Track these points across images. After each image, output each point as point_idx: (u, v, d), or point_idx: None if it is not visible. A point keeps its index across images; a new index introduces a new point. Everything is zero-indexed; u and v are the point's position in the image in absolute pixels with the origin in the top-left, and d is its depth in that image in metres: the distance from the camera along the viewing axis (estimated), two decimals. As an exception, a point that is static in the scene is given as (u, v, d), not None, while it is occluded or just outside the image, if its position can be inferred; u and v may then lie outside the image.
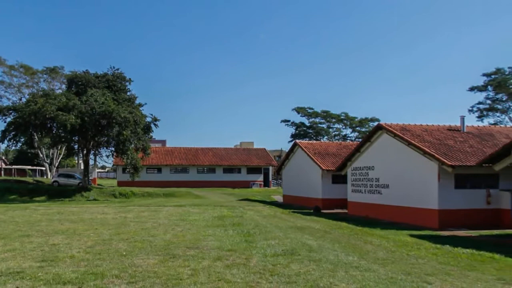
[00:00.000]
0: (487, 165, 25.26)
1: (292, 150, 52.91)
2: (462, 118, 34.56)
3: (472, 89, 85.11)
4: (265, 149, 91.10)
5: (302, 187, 48.36)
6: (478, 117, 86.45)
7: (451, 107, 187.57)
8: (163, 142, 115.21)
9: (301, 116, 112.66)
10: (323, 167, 43.33)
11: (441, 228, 26.80)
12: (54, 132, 54.20)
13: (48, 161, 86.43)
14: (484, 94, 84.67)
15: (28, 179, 75.16)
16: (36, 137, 61.05)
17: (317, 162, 44.38)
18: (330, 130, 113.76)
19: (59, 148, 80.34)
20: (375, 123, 42.52)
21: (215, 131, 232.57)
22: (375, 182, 34.65)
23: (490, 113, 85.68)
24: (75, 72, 58.38)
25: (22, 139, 56.14)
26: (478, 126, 36.92)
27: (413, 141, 29.99)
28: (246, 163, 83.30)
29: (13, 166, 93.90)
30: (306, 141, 57.91)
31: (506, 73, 79.97)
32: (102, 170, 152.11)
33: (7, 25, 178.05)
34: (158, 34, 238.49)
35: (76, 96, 52.96)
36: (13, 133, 52.76)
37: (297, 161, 50.76)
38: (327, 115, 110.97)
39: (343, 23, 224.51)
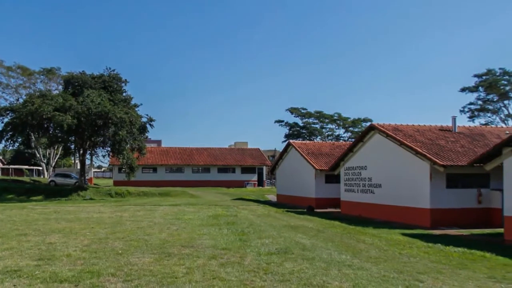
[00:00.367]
0: (478, 165, 25.30)
1: (285, 150, 53.01)
2: (454, 119, 34.65)
3: (463, 89, 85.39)
4: (259, 149, 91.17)
5: (296, 186, 48.40)
6: (470, 117, 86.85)
7: (443, 108, 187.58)
8: (158, 142, 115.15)
9: (294, 116, 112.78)
10: (317, 167, 43.39)
11: (433, 227, 26.89)
12: (51, 132, 54.27)
13: (45, 161, 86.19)
14: (475, 94, 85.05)
15: (25, 178, 75.00)
16: (33, 137, 60.94)
17: (311, 162, 44.43)
18: (324, 130, 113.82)
19: (55, 148, 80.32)
20: (368, 124, 42.55)
21: (209, 131, 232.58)
22: (367, 181, 34.70)
23: (481, 114, 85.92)
24: (71, 73, 58.40)
25: (19, 139, 56.03)
26: (470, 127, 37.03)
27: (405, 141, 30.05)
28: (241, 163, 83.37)
29: (11, 166, 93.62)
30: (300, 141, 58.02)
31: (497, 74, 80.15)
32: (98, 170, 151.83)
33: (4, 26, 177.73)
34: (154, 36, 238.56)
35: (73, 96, 52.92)
36: (10, 133, 52.77)
37: (291, 161, 50.82)
38: (320, 116, 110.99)
39: (336, 24, 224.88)
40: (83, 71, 58.47)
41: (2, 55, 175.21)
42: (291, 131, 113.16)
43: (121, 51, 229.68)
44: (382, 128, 32.67)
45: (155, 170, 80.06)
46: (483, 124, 74.97)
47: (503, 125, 70.73)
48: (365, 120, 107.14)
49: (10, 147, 63.22)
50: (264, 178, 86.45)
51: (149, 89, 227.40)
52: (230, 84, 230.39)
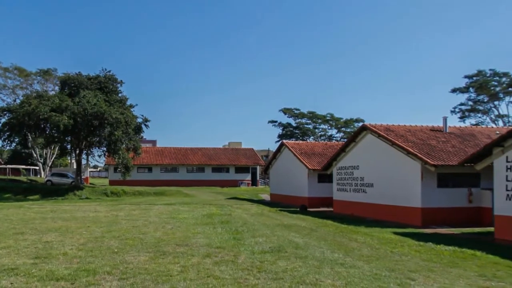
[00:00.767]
0: (468, 164, 25.34)
1: (279, 150, 53.00)
2: (445, 119, 34.72)
3: (454, 90, 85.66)
4: (253, 149, 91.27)
5: (289, 186, 48.40)
6: (460, 118, 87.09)
7: (434, 108, 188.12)
8: (153, 142, 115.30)
9: (288, 117, 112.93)
10: (309, 167, 43.39)
11: (424, 226, 26.95)
12: (47, 132, 54.11)
13: (42, 160, 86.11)
14: (466, 95, 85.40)
15: (22, 178, 74.89)
16: (30, 137, 60.77)
17: (304, 161, 44.43)
18: (316, 130, 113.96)
19: (52, 148, 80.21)
20: (360, 124, 42.65)
21: (204, 131, 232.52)
22: (360, 181, 34.74)
23: (472, 114, 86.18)
24: (68, 74, 58.17)
25: (17, 139, 56.00)
26: (460, 127, 37.13)
27: (396, 141, 30.09)
28: (235, 162, 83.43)
29: (8, 166, 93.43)
30: (293, 141, 57.96)
31: (487, 75, 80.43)
32: (94, 170, 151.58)
33: (1, 28, 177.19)
34: (149, 37, 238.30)
35: (69, 97, 52.77)
36: (7, 133, 52.66)
37: (284, 160, 50.82)
38: (313, 116, 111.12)
39: (329, 27, 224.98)
40: (79, 72, 58.42)
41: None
42: (284, 131, 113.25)
43: (117, 53, 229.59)
44: (374, 129, 32.70)
45: (150, 169, 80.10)
46: (474, 125, 75.13)
47: (493, 126, 70.85)
48: (357, 121, 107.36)
49: (7, 147, 63.62)
50: (258, 178, 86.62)
51: (145, 90, 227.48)
52: (225, 85, 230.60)
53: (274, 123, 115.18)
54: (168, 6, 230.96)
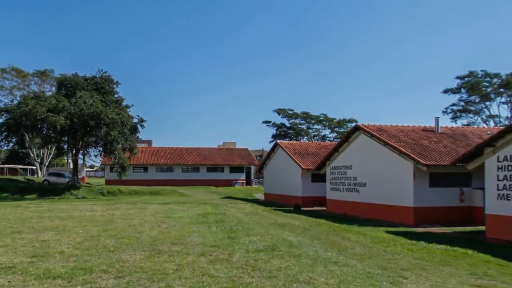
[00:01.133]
0: (460, 164, 25.34)
1: (273, 150, 52.99)
2: (437, 119, 34.76)
3: (446, 91, 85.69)
4: (247, 149, 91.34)
5: (283, 185, 48.38)
6: (452, 118, 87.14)
7: (426, 109, 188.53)
8: (149, 142, 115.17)
9: (281, 117, 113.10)
10: (303, 166, 43.38)
11: (416, 225, 26.96)
12: (44, 132, 54.08)
13: (39, 160, 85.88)
14: (457, 96, 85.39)
15: (20, 177, 74.66)
16: (27, 137, 60.62)
17: (297, 161, 44.43)
18: (310, 130, 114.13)
19: (49, 148, 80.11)
20: (353, 124, 42.77)
21: (199, 131, 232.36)
22: (353, 180, 34.75)
23: (464, 114, 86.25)
24: (64, 75, 58.16)
25: (14, 139, 55.97)
26: (452, 127, 37.16)
27: (389, 141, 30.10)
28: (229, 162, 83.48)
29: (5, 166, 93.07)
30: (287, 141, 57.96)
31: (479, 76, 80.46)
32: (91, 169, 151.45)
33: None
34: (145, 38, 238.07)
35: (66, 98, 52.73)
36: (5, 133, 52.62)
37: (278, 160, 50.81)
38: (306, 116, 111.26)
39: (322, 28, 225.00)
40: (75, 73, 58.36)
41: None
42: (278, 132, 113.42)
43: (113, 54, 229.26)
44: (367, 129, 32.71)
45: (146, 169, 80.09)
46: (465, 125, 75.29)
47: (485, 126, 71.09)
48: (350, 121, 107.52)
49: (5, 147, 63.25)
50: (252, 177, 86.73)
51: (140, 90, 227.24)
52: (219, 85, 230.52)
53: (268, 124, 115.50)
54: (163, 8, 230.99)
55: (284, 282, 10.41)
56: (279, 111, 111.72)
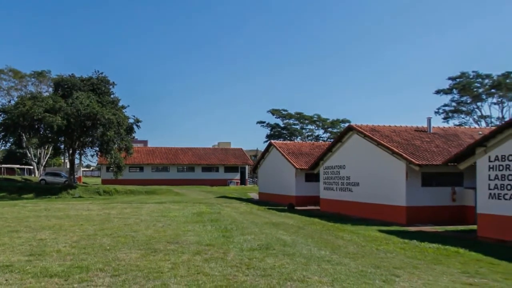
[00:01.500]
0: (452, 164, 25.38)
1: (267, 150, 52.99)
2: (429, 120, 34.81)
3: (438, 92, 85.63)
4: (241, 149, 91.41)
5: (277, 185, 48.39)
6: (444, 118, 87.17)
7: (418, 109, 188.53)
8: (145, 142, 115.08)
9: (276, 117, 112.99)
10: (297, 166, 43.39)
11: (409, 224, 26.98)
12: (41, 132, 53.99)
13: (36, 160, 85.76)
14: (449, 96, 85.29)
15: (17, 177, 74.51)
16: (24, 137, 60.51)
17: (291, 161, 44.45)
18: (304, 131, 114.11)
19: (46, 148, 79.86)
20: (346, 124, 42.84)
21: (194, 132, 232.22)
22: (346, 180, 34.78)
23: (455, 115, 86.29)
24: (61, 76, 58.09)
25: (11, 140, 56.00)
26: (444, 127, 37.20)
27: (382, 142, 30.13)
28: (224, 162, 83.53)
29: (2, 165, 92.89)
30: (281, 141, 57.90)
31: (470, 77, 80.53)
32: (87, 169, 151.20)
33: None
34: (141, 40, 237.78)
35: (62, 98, 52.68)
36: (2, 133, 52.66)
37: (272, 160, 50.82)
38: (300, 117, 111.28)
39: (315, 29, 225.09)
40: (72, 74, 58.30)
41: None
42: (272, 132, 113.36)
43: (109, 55, 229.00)
44: (360, 129, 32.74)
45: (141, 169, 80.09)
46: (457, 125, 75.41)
47: (476, 126, 71.13)
48: (343, 121, 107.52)
49: (2, 147, 63.30)
50: (247, 177, 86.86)
51: (136, 91, 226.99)
52: (214, 86, 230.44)
53: (262, 124, 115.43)
54: (158, 10, 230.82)
55: (278, 280, 10.42)
56: (273, 112, 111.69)
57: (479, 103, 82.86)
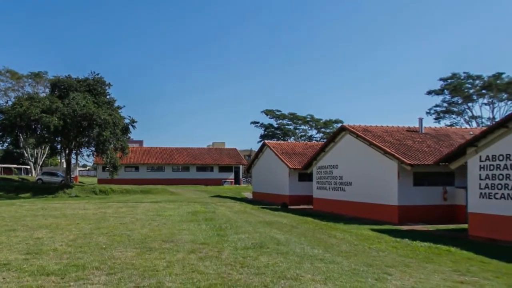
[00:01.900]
0: (443, 164, 25.40)
1: (261, 150, 53.00)
2: (420, 120, 34.82)
3: (429, 92, 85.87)
4: (236, 149, 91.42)
5: (271, 184, 48.37)
6: (435, 119, 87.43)
7: (410, 110, 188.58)
8: (140, 142, 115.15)
9: (269, 118, 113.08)
10: (290, 166, 43.39)
11: (401, 223, 26.95)
12: (38, 133, 53.98)
13: (33, 160, 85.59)
14: (441, 97, 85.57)
15: (14, 177, 74.43)
16: (21, 137, 60.53)
17: (285, 161, 44.44)
18: (297, 131, 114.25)
19: (43, 148, 79.82)
20: (339, 125, 42.80)
21: (189, 132, 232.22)
22: (339, 179, 34.77)
23: (447, 115, 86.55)
24: (58, 77, 58.10)
25: (8, 140, 56.25)
26: (435, 128, 37.23)
27: (374, 142, 30.13)
28: (218, 162, 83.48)
29: (0, 165, 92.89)
30: (274, 141, 57.95)
31: (461, 77, 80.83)
32: (83, 169, 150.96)
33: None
34: (136, 41, 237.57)
35: (59, 99, 52.65)
36: (0, 134, 52.45)
37: (266, 160, 50.81)
38: (294, 117, 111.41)
39: (308, 31, 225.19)
40: (69, 75, 58.32)
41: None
42: (266, 132, 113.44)
43: (105, 56, 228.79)
44: (352, 129, 32.74)
45: (137, 169, 79.96)
46: (448, 125, 75.36)
47: (467, 126, 71.18)
48: (336, 122, 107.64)
49: (0, 147, 62.92)
50: (241, 177, 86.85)
51: (132, 92, 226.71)
52: (209, 87, 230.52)
53: (256, 124, 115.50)
54: (153, 11, 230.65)
55: (271, 278, 10.42)
56: (267, 112, 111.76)
57: (470, 104, 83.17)
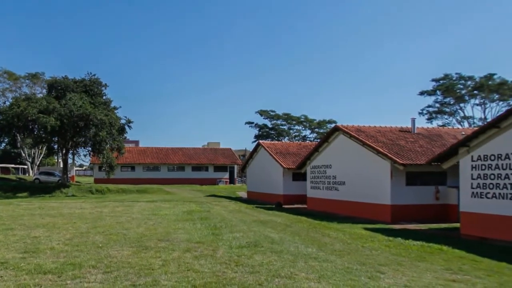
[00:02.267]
0: (436, 163, 25.38)
1: (255, 149, 52.96)
2: (413, 120, 34.80)
3: (422, 93, 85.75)
4: (230, 149, 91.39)
5: (265, 184, 48.37)
6: (428, 119, 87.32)
7: (403, 110, 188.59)
8: (136, 142, 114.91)
9: (264, 118, 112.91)
10: (284, 166, 43.38)
11: (394, 222, 26.92)
12: (35, 133, 53.86)
13: (30, 160, 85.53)
14: (433, 98, 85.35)
15: (11, 176, 74.29)
16: (19, 137, 60.54)
17: (279, 161, 44.44)
18: (291, 131, 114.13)
19: (40, 148, 79.68)
20: (333, 125, 42.81)
21: (184, 132, 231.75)
22: (332, 179, 34.77)
23: (439, 116, 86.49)
24: (55, 78, 57.90)
25: (6, 140, 56.10)
26: (428, 128, 37.19)
27: (367, 142, 30.13)
28: (213, 162, 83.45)
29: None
30: (269, 142, 57.99)
31: (454, 78, 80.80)
32: (80, 168, 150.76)
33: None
34: (133, 42, 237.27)
35: (56, 99, 52.50)
36: (-3, 134, 52.36)
37: (260, 160, 50.79)
38: (288, 117, 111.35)
39: (302, 32, 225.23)
40: (65, 75, 58.14)
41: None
42: (260, 132, 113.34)
43: (101, 57, 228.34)
44: (345, 129, 32.74)
45: (133, 168, 79.89)
46: (441, 126, 75.53)
47: (459, 127, 71.27)
48: (330, 122, 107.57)
49: (-3, 147, 62.83)
50: (235, 176, 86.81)
51: (128, 92, 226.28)
52: (204, 87, 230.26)
53: (251, 124, 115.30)
54: (149, 12, 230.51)
55: (266, 277, 10.43)
56: (262, 112, 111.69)
57: (462, 104, 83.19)
